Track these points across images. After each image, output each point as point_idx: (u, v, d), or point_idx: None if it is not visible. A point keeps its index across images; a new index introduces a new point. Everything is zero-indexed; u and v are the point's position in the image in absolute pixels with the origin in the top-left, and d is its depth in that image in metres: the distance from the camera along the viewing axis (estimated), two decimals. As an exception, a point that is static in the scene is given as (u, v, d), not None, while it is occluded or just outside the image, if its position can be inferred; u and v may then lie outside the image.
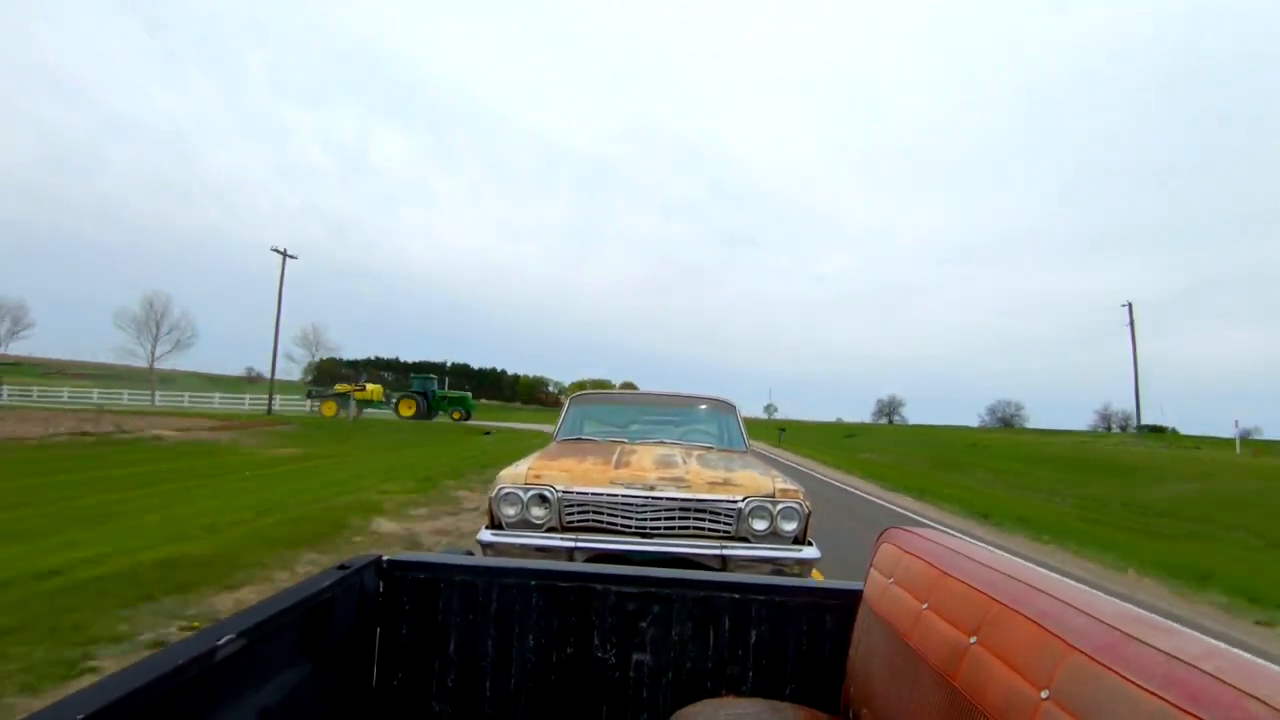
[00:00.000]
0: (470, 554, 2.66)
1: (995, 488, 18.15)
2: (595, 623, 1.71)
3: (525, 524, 3.05)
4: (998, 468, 22.60)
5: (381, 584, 1.70)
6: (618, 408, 5.14)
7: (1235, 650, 0.78)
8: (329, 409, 35.57)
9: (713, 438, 4.64)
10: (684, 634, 1.70)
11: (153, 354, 54.10)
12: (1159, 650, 0.79)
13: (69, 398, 39.49)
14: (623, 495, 3.03)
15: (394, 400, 36.74)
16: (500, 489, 3.09)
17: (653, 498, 3.02)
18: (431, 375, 42.04)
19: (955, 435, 41.63)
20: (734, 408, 5.00)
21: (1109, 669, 0.81)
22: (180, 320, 56.03)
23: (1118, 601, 0.98)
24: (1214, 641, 0.80)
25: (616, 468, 3.23)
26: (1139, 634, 0.84)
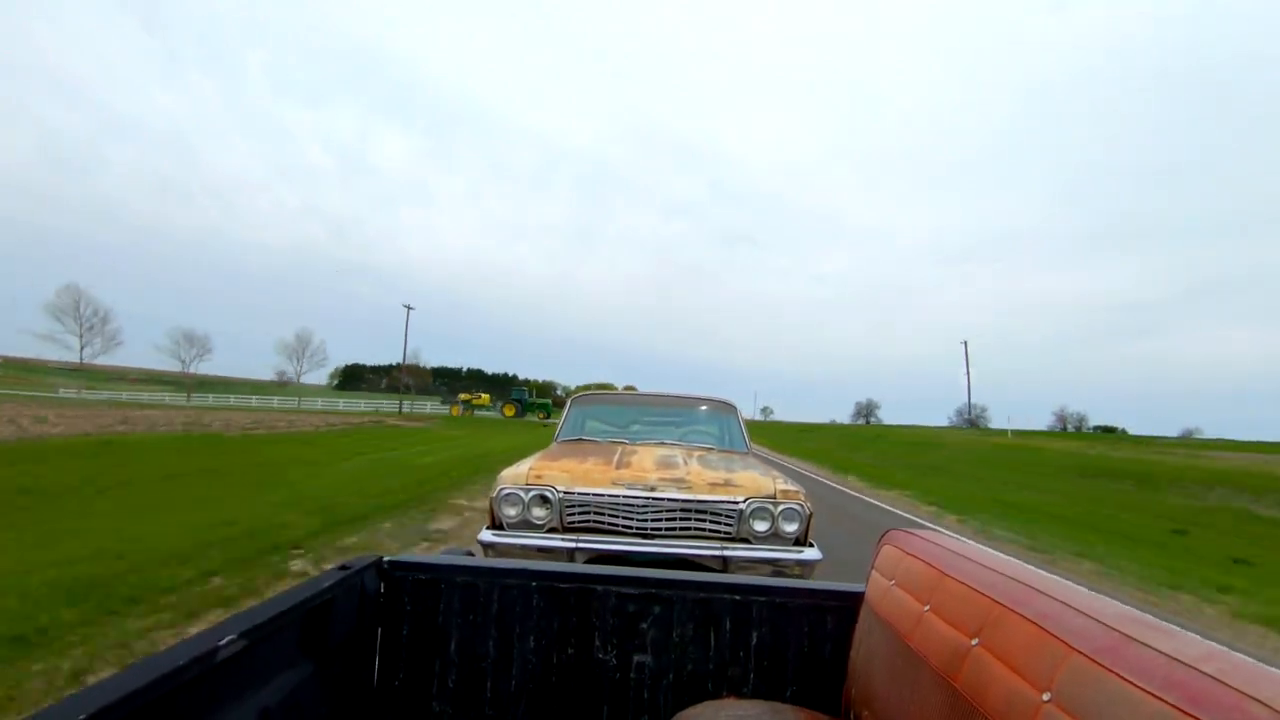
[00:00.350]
0: (471, 554, 2.66)
1: (860, 457, 28.87)
2: (596, 624, 1.71)
3: (526, 524, 3.05)
4: (878, 449, 34.51)
5: (382, 584, 1.70)
6: (618, 408, 5.14)
7: (1237, 652, 0.78)
8: (455, 410, 53.20)
9: (713, 438, 4.64)
10: (685, 635, 1.70)
11: (300, 373, 78.72)
12: (1160, 652, 0.79)
13: (235, 401, 58.45)
14: (624, 496, 3.03)
15: (499, 405, 54.14)
16: (501, 490, 3.09)
17: (654, 499, 3.02)
18: (523, 388, 61.63)
19: (885, 431, 53.10)
20: (735, 408, 5.00)
21: (1110, 671, 0.81)
22: (319, 347, 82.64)
23: (1118, 603, 0.98)
24: (1215, 644, 0.80)
25: (617, 468, 3.23)
26: (1140, 636, 0.84)
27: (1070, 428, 75.92)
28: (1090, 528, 10.84)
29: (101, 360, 62.41)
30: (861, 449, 34.18)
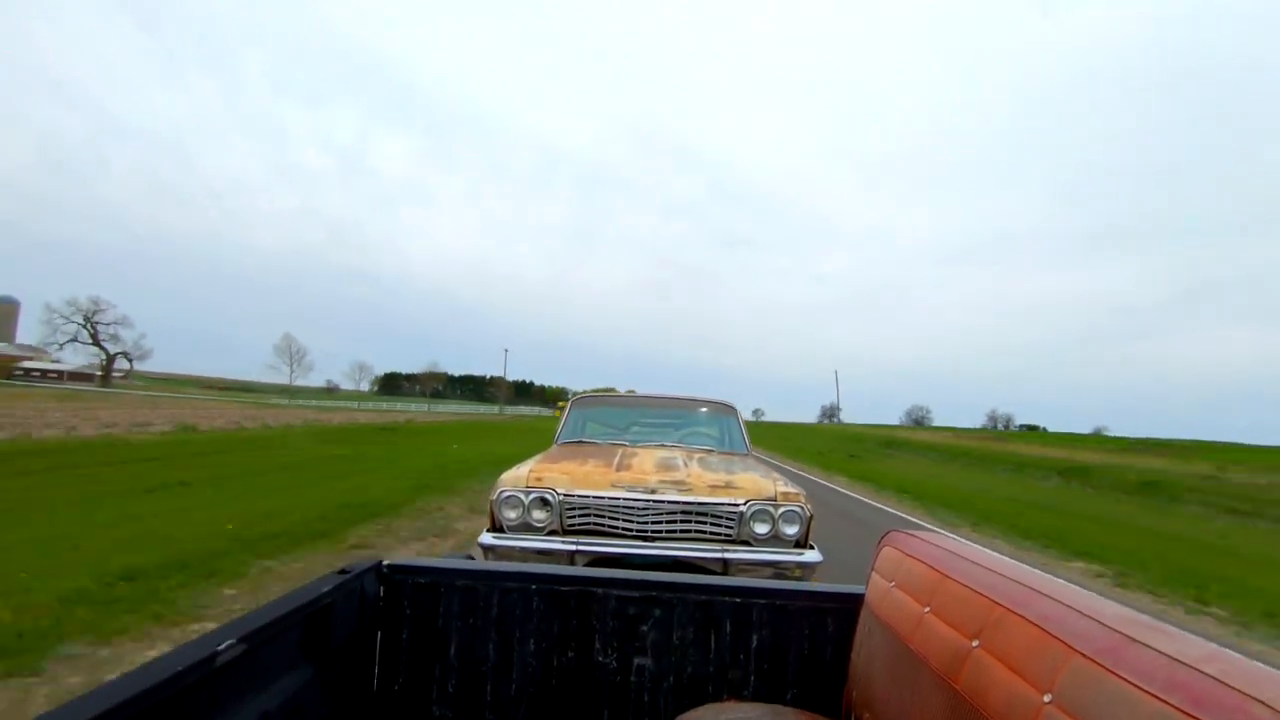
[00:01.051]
0: (471, 558, 2.66)
1: (769, 438, 38.83)
2: (596, 627, 1.70)
3: (526, 527, 3.05)
4: (786, 434, 50.28)
5: (382, 588, 1.70)
6: (619, 410, 5.14)
7: (1238, 654, 0.78)
8: (558, 413, 77.68)
9: (713, 440, 4.64)
10: (685, 638, 1.70)
11: (429, 397, 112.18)
12: (1161, 653, 0.79)
13: (386, 406, 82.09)
14: (624, 498, 3.02)
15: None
16: (501, 492, 3.08)
17: (654, 501, 3.01)
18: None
19: (812, 426, 77.19)
20: (735, 410, 5.00)
21: (1111, 672, 0.80)
22: (439, 369, 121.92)
23: (1119, 605, 0.97)
24: (1216, 645, 0.80)
25: (618, 471, 3.23)
26: (1141, 637, 0.83)
27: (1000, 426, 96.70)
28: (819, 452, 28.74)
29: (298, 382, 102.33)
30: (783, 435, 50.74)
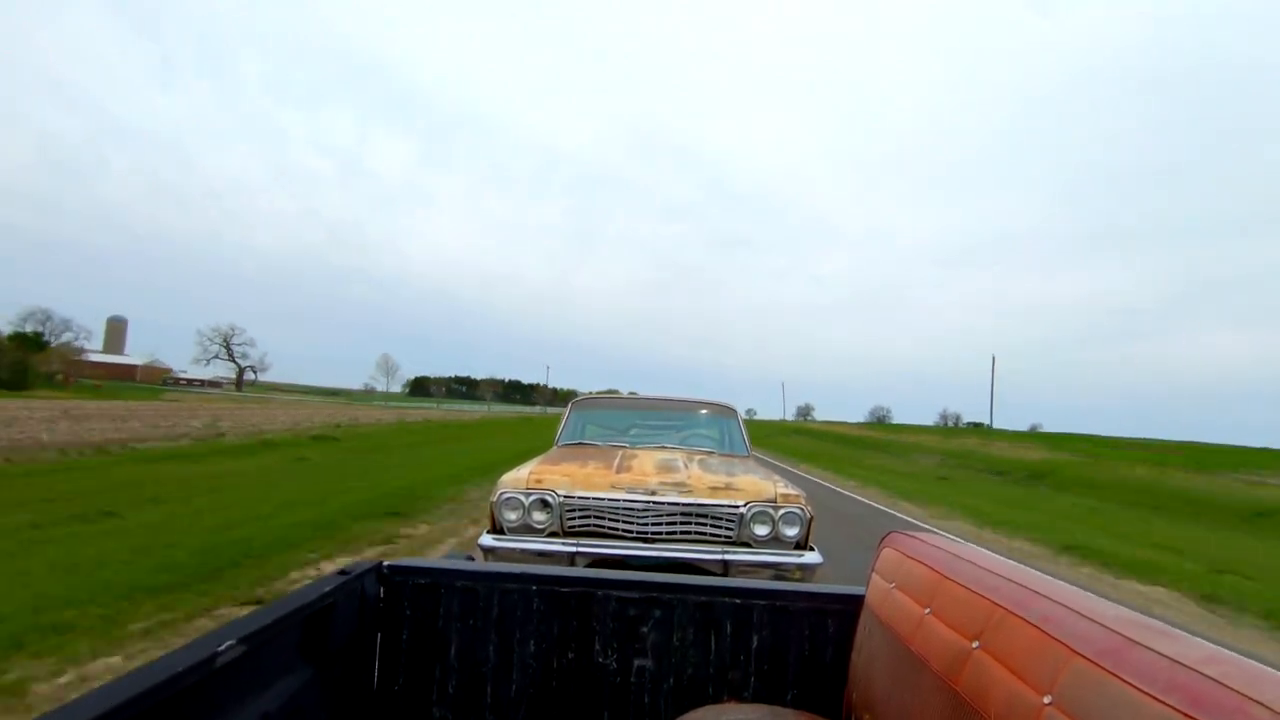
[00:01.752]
0: (471, 559, 2.66)
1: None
2: (596, 628, 1.70)
3: (527, 529, 3.05)
4: (754, 428, 58.11)
5: (382, 589, 1.70)
6: (619, 412, 5.14)
7: (1238, 655, 0.78)
8: None
9: (714, 442, 4.64)
10: (685, 639, 1.70)
11: (489, 403, 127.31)
12: (1162, 655, 0.79)
13: (462, 407, 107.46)
14: (624, 500, 3.02)
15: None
16: (502, 494, 3.08)
17: (654, 503, 3.01)
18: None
19: (778, 422, 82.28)
20: (735, 412, 5.00)
21: (1112, 674, 0.80)
22: (492, 379, 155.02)
23: (1120, 606, 0.97)
24: (1216, 646, 0.80)
25: (618, 472, 3.23)
26: (1141, 639, 0.83)
27: (949, 423, 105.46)
28: (755, 437, 29.76)
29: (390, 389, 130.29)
30: (748, 428, 62.88)
